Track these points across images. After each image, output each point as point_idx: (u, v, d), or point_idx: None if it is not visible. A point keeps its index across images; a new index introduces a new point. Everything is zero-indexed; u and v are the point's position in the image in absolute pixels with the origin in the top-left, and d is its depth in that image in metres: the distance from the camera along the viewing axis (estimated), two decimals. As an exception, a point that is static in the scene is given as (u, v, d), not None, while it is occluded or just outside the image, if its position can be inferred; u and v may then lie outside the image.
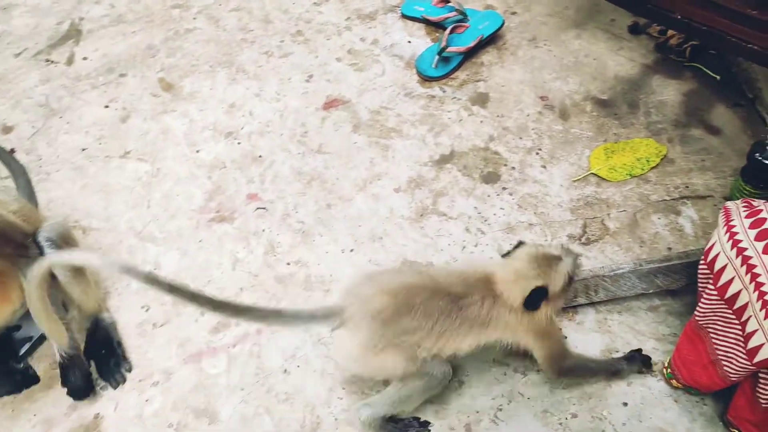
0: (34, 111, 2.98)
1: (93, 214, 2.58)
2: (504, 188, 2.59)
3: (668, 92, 2.85)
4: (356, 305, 1.81)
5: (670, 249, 2.34)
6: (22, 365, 2.13)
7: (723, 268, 1.57)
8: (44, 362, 2.17)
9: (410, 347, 1.79)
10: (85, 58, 3.20)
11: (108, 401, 2.08)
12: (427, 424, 2.00)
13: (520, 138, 2.76)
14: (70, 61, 3.19)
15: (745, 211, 1.58)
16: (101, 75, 3.12)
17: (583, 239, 2.42)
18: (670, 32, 2.96)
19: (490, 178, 2.63)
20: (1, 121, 2.94)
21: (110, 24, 3.38)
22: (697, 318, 1.75)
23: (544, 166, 2.65)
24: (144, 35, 3.31)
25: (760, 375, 1.58)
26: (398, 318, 1.77)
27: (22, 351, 2.17)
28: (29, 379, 2.10)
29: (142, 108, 2.97)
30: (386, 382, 1.95)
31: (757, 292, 1.47)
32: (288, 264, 2.41)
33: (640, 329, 2.16)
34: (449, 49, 2.99)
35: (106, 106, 2.99)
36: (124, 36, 3.31)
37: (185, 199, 2.63)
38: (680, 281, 2.10)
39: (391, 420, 1.96)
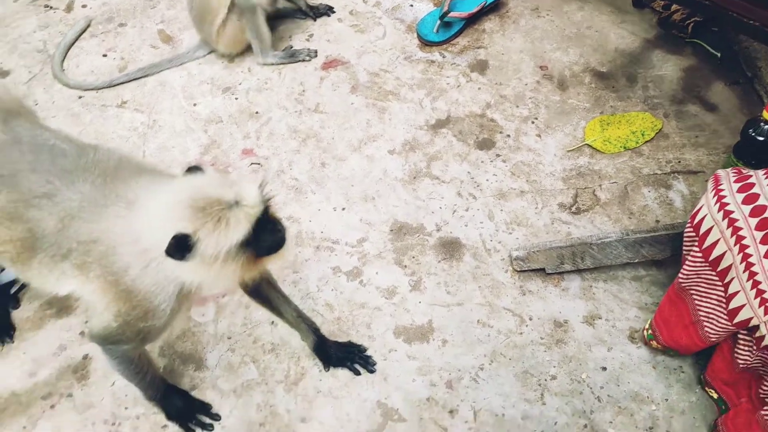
0: (31, 56, 2.96)
1: (87, 162, 2.59)
2: (498, 155, 2.61)
3: (668, 67, 2.85)
4: None
5: (658, 221, 2.36)
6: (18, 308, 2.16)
7: (709, 231, 1.60)
8: (35, 302, 2.20)
9: None
10: (84, 6, 3.18)
11: (97, 343, 2.11)
12: None
13: (517, 106, 2.76)
14: (69, 8, 3.16)
15: (734, 176, 1.60)
16: (100, 24, 3.10)
17: (573, 208, 2.44)
18: (673, 7, 2.95)
19: (485, 145, 2.64)
20: (-2, 65, 2.93)
21: (111, -27, 3.34)
22: (680, 280, 1.78)
23: (539, 135, 2.66)
24: (145, -14, 3.28)
25: (739, 336, 1.62)
26: None
27: (12, 292, 2.19)
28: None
29: (141, 59, 2.96)
30: None
31: (741, 254, 1.50)
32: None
33: (624, 297, 2.20)
34: (451, 14, 2.97)
35: (104, 55, 2.97)
36: (124, -14, 3.28)
37: (180, 152, 2.64)
38: (665, 252, 2.13)
39: None
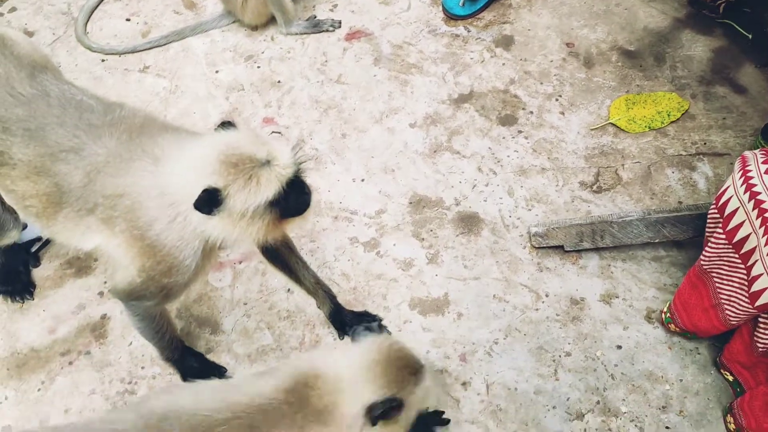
0: (56, 18, 2.97)
1: (109, 125, 2.60)
2: (520, 131, 2.58)
3: (697, 48, 2.79)
4: None
5: (680, 203, 2.33)
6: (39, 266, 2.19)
7: (734, 212, 1.57)
8: (55, 262, 2.23)
9: None
10: (109, -30, 3.17)
11: (115, 303, 2.12)
12: None
13: (541, 83, 2.72)
14: (94, -28, 3.16)
15: (762, 157, 1.57)
16: (125, -12, 3.09)
17: (594, 187, 2.41)
18: (705, -14, 2.89)
19: (507, 121, 2.61)
20: (22, 26, 2.94)
21: (136, -63, 3.33)
22: (702, 262, 1.76)
23: (563, 113, 2.63)
24: (170, -49, 3.26)
25: (760, 320, 1.60)
26: None
27: (33, 250, 2.22)
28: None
29: (164, 24, 2.95)
30: None
31: (766, 237, 1.47)
32: (299, 188, 2.42)
33: (642, 278, 2.18)
34: (478, -13, 2.93)
35: (128, 20, 2.97)
36: (149, -49, 3.26)
37: (201, 117, 2.64)
38: (687, 232, 2.10)
39: None
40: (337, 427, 1.34)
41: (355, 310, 2.11)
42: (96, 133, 1.56)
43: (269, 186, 1.42)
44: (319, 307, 2.09)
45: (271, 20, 2.91)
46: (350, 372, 1.36)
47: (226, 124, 1.53)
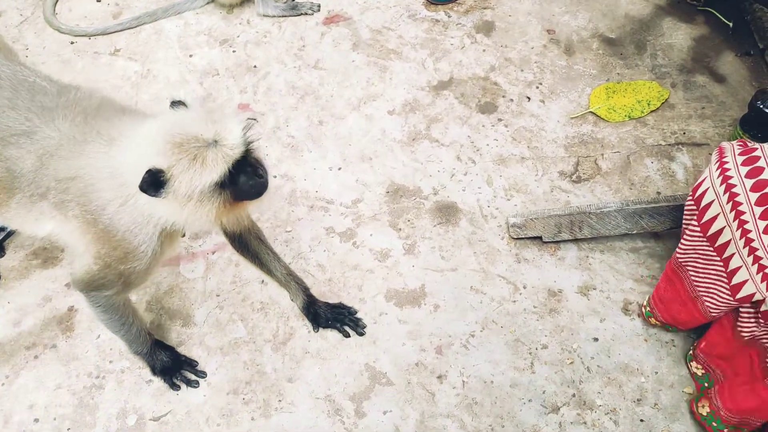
0: (23, -1, 2.87)
1: (78, 110, 2.52)
2: (500, 119, 2.54)
3: (678, 36, 2.77)
4: None
5: (659, 193, 2.31)
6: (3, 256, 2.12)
7: (709, 204, 1.55)
8: (20, 252, 2.16)
9: None
10: (79, -51, 3.07)
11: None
12: None
13: (522, 70, 2.69)
14: (63, -49, 3.06)
15: (739, 149, 1.54)
16: (95, -32, 3.00)
17: (573, 177, 2.38)
18: (687, -27, 2.86)
19: (487, 108, 2.58)
20: (-12, 6, 2.84)
21: None
22: (678, 255, 1.75)
23: (543, 101, 2.59)
24: (142, -70, 3.16)
25: (741, 309, 1.59)
26: None
27: (-1, 240, 2.15)
28: None
29: (136, 5, 2.86)
30: None
31: (740, 230, 1.46)
32: (275, 177, 2.37)
33: (620, 269, 2.16)
34: (458, -29, 2.88)
35: (98, 1, 2.88)
36: (121, -71, 3.16)
37: (174, 103, 2.57)
38: (665, 224, 2.09)
39: None
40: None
41: (330, 301, 2.07)
42: (49, 115, 1.51)
43: (215, 167, 1.36)
44: (292, 300, 2.05)
45: (247, 1, 2.84)
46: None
47: (177, 103, 1.46)
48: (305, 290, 2.01)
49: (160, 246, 1.53)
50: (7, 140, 1.50)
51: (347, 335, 2.03)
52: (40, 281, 2.10)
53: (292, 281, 1.99)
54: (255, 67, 2.69)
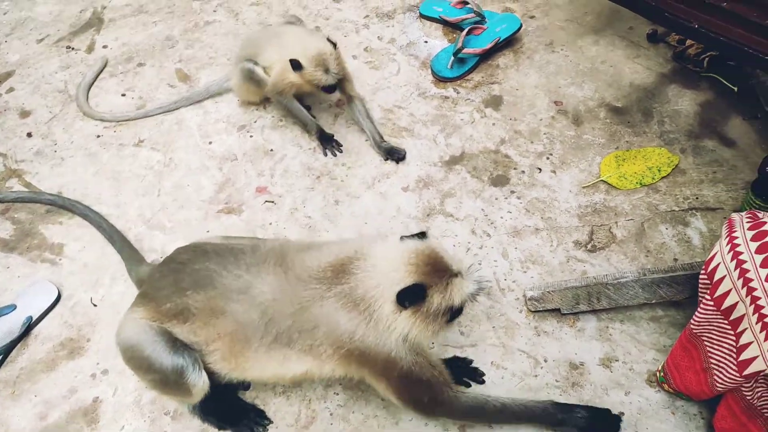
0: (52, 96, 3.03)
1: (103, 200, 2.62)
2: (512, 191, 2.59)
3: (684, 102, 2.82)
4: None
5: (676, 260, 2.31)
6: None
7: (721, 280, 1.55)
8: (47, 344, 2.21)
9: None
10: (105, 47, 3.25)
11: (107, 386, 2.10)
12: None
13: (532, 142, 2.75)
14: (90, 49, 3.24)
15: (748, 222, 1.55)
16: (120, 64, 3.16)
17: (589, 246, 2.40)
18: (688, 41, 2.93)
19: (499, 181, 2.62)
20: (20, 105, 3.00)
21: (131, 14, 3.43)
22: (692, 326, 1.73)
23: (554, 171, 2.64)
24: (164, 26, 3.35)
25: (743, 386, 1.57)
26: None
27: (21, 331, 2.19)
28: None
29: (159, 98, 3.01)
30: None
31: (753, 306, 1.45)
32: (292, 258, 2.42)
33: (641, 339, 2.14)
34: (465, 50, 2.99)
35: (123, 95, 3.03)
36: (144, 26, 3.35)
37: (195, 190, 2.66)
38: (684, 293, 2.08)
39: None
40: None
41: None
42: (255, 270, 1.72)
43: (459, 295, 1.61)
44: None
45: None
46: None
47: (420, 235, 1.69)
48: None
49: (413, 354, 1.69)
50: (228, 296, 1.71)
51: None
52: (66, 372, 2.13)
53: None
54: (271, 150, 2.79)
